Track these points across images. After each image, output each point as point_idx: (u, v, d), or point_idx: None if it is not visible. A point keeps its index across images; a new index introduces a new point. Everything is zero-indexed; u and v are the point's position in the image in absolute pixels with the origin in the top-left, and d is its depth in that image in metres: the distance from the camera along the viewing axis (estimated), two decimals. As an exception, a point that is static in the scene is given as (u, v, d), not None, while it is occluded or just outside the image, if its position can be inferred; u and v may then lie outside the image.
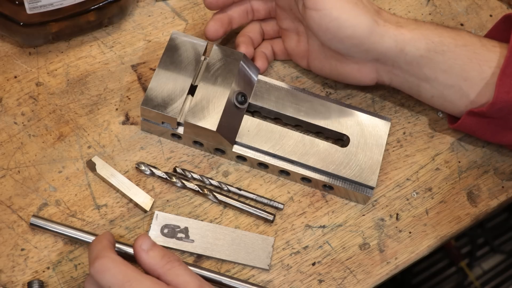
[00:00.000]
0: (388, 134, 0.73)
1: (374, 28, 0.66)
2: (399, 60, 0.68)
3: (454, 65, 0.68)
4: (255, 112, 0.73)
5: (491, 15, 0.83)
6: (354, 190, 0.69)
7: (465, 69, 0.68)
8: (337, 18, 0.65)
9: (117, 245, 0.64)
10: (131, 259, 0.62)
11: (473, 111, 0.68)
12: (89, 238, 0.65)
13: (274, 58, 0.77)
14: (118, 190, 0.69)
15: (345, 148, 0.71)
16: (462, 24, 0.82)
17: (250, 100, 0.72)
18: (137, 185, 0.70)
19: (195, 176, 0.70)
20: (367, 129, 0.71)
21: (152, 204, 0.69)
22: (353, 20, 0.65)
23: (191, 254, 0.68)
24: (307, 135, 0.72)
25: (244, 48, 0.73)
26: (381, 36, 0.66)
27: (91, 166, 0.69)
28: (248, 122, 0.71)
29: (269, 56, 0.76)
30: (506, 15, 0.71)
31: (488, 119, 0.69)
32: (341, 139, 0.73)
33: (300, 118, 0.72)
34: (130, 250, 0.64)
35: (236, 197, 0.71)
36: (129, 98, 0.74)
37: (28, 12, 0.69)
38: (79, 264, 0.66)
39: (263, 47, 0.76)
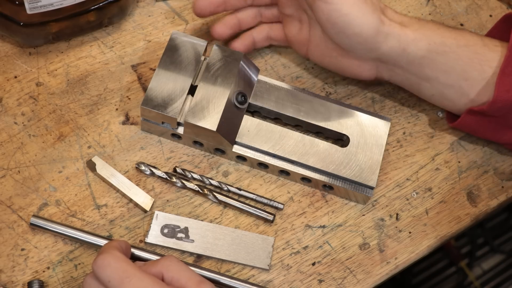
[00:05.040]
0: (388, 134, 0.73)
1: (380, 28, 0.66)
2: (400, 60, 0.68)
3: (455, 65, 0.68)
4: (255, 112, 0.73)
5: (491, 15, 0.83)
6: (354, 190, 0.69)
7: (466, 70, 0.68)
8: (346, 14, 0.65)
9: (133, 250, 0.64)
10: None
11: (473, 110, 0.68)
12: (89, 238, 0.65)
13: (271, 43, 0.76)
14: (118, 190, 0.69)
15: (345, 148, 0.71)
16: (462, 24, 0.82)
17: (250, 100, 0.72)
18: (137, 185, 0.70)
19: (195, 176, 0.70)
20: (367, 129, 0.72)
21: (152, 204, 0.69)
22: (361, 18, 0.65)
23: (191, 254, 0.68)
24: (307, 135, 0.72)
25: (219, 26, 0.72)
26: (386, 36, 0.66)
27: (91, 166, 0.69)
28: (248, 122, 0.71)
29: (259, 41, 0.75)
30: (506, 15, 0.71)
31: (488, 117, 0.69)
32: (341, 139, 0.73)
33: (300, 118, 0.72)
34: (145, 255, 0.65)
35: (236, 197, 0.71)
36: (129, 98, 0.74)
37: (28, 12, 0.69)
38: (79, 264, 0.66)
39: (257, 30, 0.74)
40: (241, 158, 0.71)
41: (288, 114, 0.72)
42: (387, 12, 0.68)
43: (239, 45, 0.74)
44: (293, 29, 0.73)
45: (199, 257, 0.68)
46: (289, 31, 0.74)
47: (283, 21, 0.75)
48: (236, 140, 0.70)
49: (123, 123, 0.73)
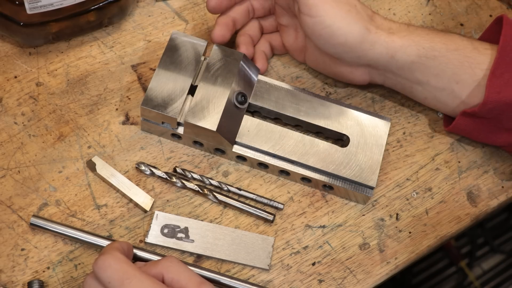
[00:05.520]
0: (388, 134, 0.73)
1: (365, 36, 0.67)
2: (390, 66, 0.69)
3: (445, 69, 0.69)
4: (255, 112, 0.73)
5: (491, 15, 0.83)
6: (354, 190, 0.69)
7: (456, 73, 0.69)
8: (330, 26, 0.66)
9: (135, 251, 0.64)
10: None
11: (466, 112, 0.69)
12: (89, 238, 0.66)
13: (273, 53, 0.77)
14: (118, 190, 0.69)
15: (345, 148, 0.71)
16: (462, 24, 0.82)
17: (250, 100, 0.72)
18: (137, 185, 0.70)
19: (195, 176, 0.70)
20: (367, 129, 0.72)
21: (152, 204, 0.69)
22: (345, 28, 0.66)
23: (191, 254, 0.68)
24: (307, 135, 0.72)
25: (244, 48, 0.73)
26: (372, 44, 0.67)
27: (91, 166, 0.69)
28: (248, 122, 0.71)
29: (268, 54, 0.76)
30: (498, 17, 0.71)
31: (481, 119, 0.69)
32: (341, 139, 0.73)
33: (300, 118, 0.72)
34: (145, 255, 0.65)
35: (236, 197, 0.71)
36: (129, 98, 0.74)
37: (28, 12, 0.69)
38: (79, 264, 0.66)
39: (262, 45, 0.76)
40: (241, 158, 0.71)
41: (288, 114, 0.72)
42: (376, 19, 0.69)
43: (261, 65, 0.75)
44: (290, 38, 0.75)
45: (199, 257, 0.68)
46: (286, 40, 0.76)
47: (280, 31, 0.76)
48: (236, 140, 0.70)
49: (123, 123, 0.73)
